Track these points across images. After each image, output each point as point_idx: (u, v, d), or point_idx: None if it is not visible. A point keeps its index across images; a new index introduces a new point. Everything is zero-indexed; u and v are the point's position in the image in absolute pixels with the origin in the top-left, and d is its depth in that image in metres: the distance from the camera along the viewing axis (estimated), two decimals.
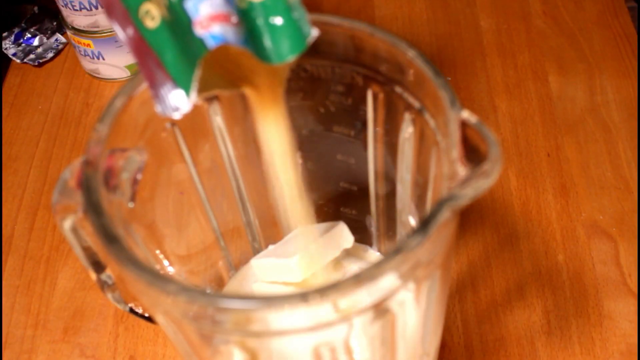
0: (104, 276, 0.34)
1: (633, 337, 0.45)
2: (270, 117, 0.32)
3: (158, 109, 0.27)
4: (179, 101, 0.26)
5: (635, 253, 0.49)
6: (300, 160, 0.39)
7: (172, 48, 0.26)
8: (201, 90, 0.27)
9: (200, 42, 0.26)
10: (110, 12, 0.26)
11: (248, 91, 0.31)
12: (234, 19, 0.26)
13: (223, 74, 0.30)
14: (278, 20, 0.27)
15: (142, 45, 0.26)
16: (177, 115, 0.27)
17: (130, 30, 0.26)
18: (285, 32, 0.27)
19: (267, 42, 0.27)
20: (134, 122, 0.31)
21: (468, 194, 0.25)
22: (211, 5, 0.26)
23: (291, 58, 0.27)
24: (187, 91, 0.26)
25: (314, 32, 0.28)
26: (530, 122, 0.57)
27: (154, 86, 0.26)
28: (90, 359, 0.46)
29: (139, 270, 0.25)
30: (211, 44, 0.26)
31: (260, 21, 0.27)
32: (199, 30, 0.26)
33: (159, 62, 0.26)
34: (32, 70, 0.64)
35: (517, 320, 0.46)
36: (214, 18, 0.25)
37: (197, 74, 0.26)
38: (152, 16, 0.26)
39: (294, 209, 0.35)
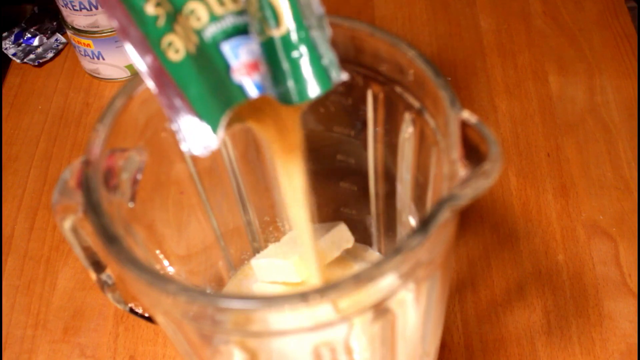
0: (104, 276, 0.34)
1: (633, 337, 0.45)
2: (287, 159, 0.31)
3: (183, 146, 0.25)
4: (205, 138, 0.24)
5: (635, 253, 0.49)
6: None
7: (198, 82, 0.24)
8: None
9: (238, 88, 0.24)
10: (123, 36, 0.24)
11: (263, 130, 0.30)
12: (263, 66, 0.24)
13: (238, 111, 0.28)
14: (298, 55, 0.26)
15: (162, 75, 0.24)
16: (204, 153, 0.25)
17: (149, 59, 0.24)
18: (307, 70, 0.26)
19: (288, 79, 0.26)
20: (134, 122, 0.31)
21: (468, 194, 0.25)
22: (249, 51, 0.24)
23: (312, 97, 0.26)
24: (214, 128, 0.24)
25: (343, 77, 0.26)
26: (530, 122, 0.57)
27: (175, 120, 0.25)
28: (90, 359, 0.46)
29: (139, 270, 0.25)
30: (253, 92, 0.24)
31: (281, 56, 0.25)
32: (239, 77, 0.24)
33: (182, 95, 0.24)
34: (32, 70, 0.64)
35: (517, 320, 0.46)
36: (253, 65, 0.24)
37: (228, 114, 0.24)
38: (176, 49, 0.24)
39: (300, 226, 0.34)
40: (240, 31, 0.24)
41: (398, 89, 0.32)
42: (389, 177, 0.38)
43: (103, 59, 0.61)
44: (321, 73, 0.26)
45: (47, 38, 0.66)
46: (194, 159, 0.37)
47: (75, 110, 0.61)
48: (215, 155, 0.38)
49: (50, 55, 0.65)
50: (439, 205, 0.25)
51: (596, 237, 0.50)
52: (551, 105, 0.58)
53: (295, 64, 0.26)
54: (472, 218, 0.51)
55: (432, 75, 0.29)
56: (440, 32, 0.64)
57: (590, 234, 0.50)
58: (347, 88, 0.35)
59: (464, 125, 0.27)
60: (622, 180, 0.53)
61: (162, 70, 0.24)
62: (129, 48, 0.24)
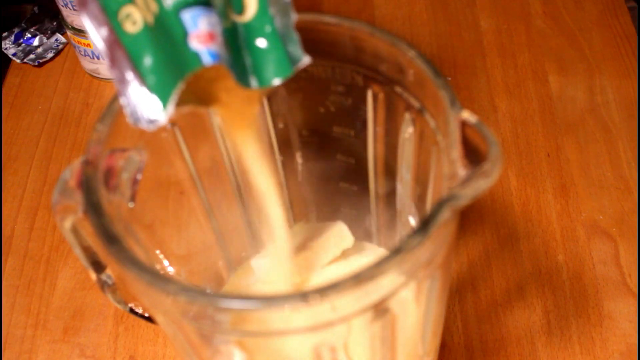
0: (104, 276, 0.34)
1: (633, 337, 0.45)
2: (240, 136, 0.31)
3: (129, 119, 0.25)
4: (154, 112, 0.24)
5: (635, 253, 0.49)
6: (300, 160, 0.40)
7: (153, 55, 0.24)
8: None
9: (194, 55, 0.24)
10: (82, 8, 0.24)
11: (218, 110, 0.30)
12: (219, 39, 0.25)
13: (193, 90, 0.28)
14: (262, 43, 0.26)
15: (116, 48, 0.24)
16: (151, 128, 0.25)
17: (105, 31, 0.24)
18: (270, 56, 0.26)
19: (249, 65, 0.26)
20: None
21: (468, 194, 0.25)
22: (209, 22, 0.24)
23: (274, 83, 0.26)
24: (165, 103, 0.24)
25: (305, 59, 0.26)
26: (530, 122, 0.57)
27: (125, 94, 0.24)
28: (90, 359, 0.46)
29: (139, 270, 0.25)
30: (208, 60, 0.24)
31: (243, 43, 0.26)
32: (196, 44, 0.24)
33: (134, 68, 0.24)
34: (32, 70, 0.64)
35: (517, 320, 0.46)
36: (211, 35, 0.24)
37: (180, 86, 0.24)
38: (134, 20, 0.24)
39: (272, 215, 0.34)
40: (201, 3, 0.25)
41: (398, 89, 0.32)
42: (389, 177, 0.38)
43: (103, 59, 0.61)
44: (283, 60, 0.26)
45: (47, 38, 0.66)
46: (194, 159, 0.37)
47: (75, 110, 0.61)
48: (215, 155, 0.38)
49: (50, 55, 0.65)
50: (439, 205, 0.25)
51: (596, 237, 0.50)
52: (551, 105, 0.58)
53: (257, 51, 0.26)
54: (472, 218, 0.51)
55: (432, 75, 0.29)
56: (440, 32, 0.64)
57: (590, 234, 0.50)
58: (347, 88, 0.35)
59: (464, 125, 0.27)
60: (622, 180, 0.53)
61: (117, 43, 0.24)
62: (85, 20, 0.24)
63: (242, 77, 0.26)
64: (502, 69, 0.61)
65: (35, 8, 0.68)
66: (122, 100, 0.25)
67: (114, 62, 0.24)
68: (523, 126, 0.56)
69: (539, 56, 0.61)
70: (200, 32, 0.24)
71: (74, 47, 0.62)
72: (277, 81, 0.27)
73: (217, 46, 0.24)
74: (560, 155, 0.55)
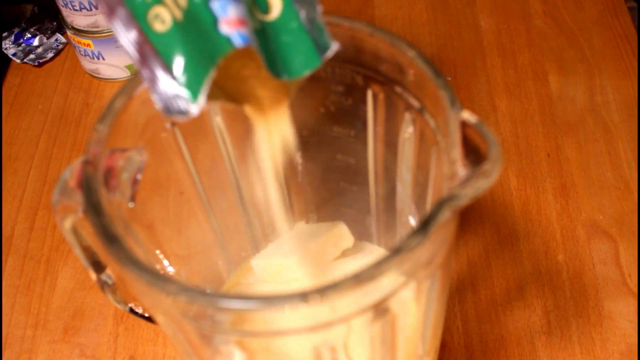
0: (104, 276, 0.34)
1: (633, 337, 0.45)
2: (270, 132, 0.31)
3: (162, 112, 0.26)
4: (186, 104, 0.25)
5: (635, 253, 0.49)
6: (300, 160, 0.40)
7: (183, 50, 0.25)
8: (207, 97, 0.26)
9: (225, 40, 0.25)
10: (110, 15, 0.25)
11: (248, 108, 0.30)
12: (249, 26, 0.26)
13: (226, 86, 0.29)
14: (289, 39, 0.27)
15: (146, 48, 0.25)
16: (183, 119, 0.26)
17: (134, 34, 0.25)
18: (297, 50, 0.27)
19: (280, 58, 0.27)
20: (134, 122, 0.31)
21: (468, 194, 0.25)
22: (237, 10, 0.25)
23: (304, 74, 0.27)
24: (197, 93, 0.25)
25: (334, 47, 0.27)
26: (530, 122, 0.57)
27: (156, 89, 0.25)
28: (90, 359, 0.46)
29: (139, 270, 0.25)
30: (239, 42, 0.25)
31: (272, 38, 0.27)
32: (226, 29, 0.25)
33: (164, 65, 0.25)
34: (32, 70, 0.64)
35: (517, 320, 0.46)
36: (240, 21, 0.25)
37: (212, 74, 0.25)
38: (163, 20, 0.25)
39: (276, 213, 0.34)
40: None
41: (398, 89, 0.32)
42: (389, 177, 0.38)
43: (103, 59, 0.61)
44: (311, 52, 0.27)
45: (47, 38, 0.66)
46: (194, 159, 0.37)
47: (75, 110, 0.61)
48: (215, 155, 0.38)
49: (50, 55, 0.65)
50: (439, 205, 0.25)
51: (596, 237, 0.50)
52: (551, 105, 0.58)
53: (285, 46, 0.27)
54: (472, 218, 0.51)
55: (432, 75, 0.29)
56: (440, 32, 0.64)
57: (590, 234, 0.50)
58: (347, 88, 0.35)
59: (464, 125, 0.27)
60: (622, 180, 0.53)
61: (147, 43, 0.25)
62: (114, 26, 0.25)
63: (272, 68, 0.27)
64: (502, 69, 0.61)
65: (35, 8, 0.68)
66: (154, 97, 0.25)
67: (143, 61, 0.25)
68: (523, 126, 0.56)
69: (539, 56, 0.61)
70: (230, 18, 0.25)
71: (74, 47, 0.62)
72: (306, 72, 0.27)
73: (247, 30, 0.25)
74: (560, 155, 0.55)
